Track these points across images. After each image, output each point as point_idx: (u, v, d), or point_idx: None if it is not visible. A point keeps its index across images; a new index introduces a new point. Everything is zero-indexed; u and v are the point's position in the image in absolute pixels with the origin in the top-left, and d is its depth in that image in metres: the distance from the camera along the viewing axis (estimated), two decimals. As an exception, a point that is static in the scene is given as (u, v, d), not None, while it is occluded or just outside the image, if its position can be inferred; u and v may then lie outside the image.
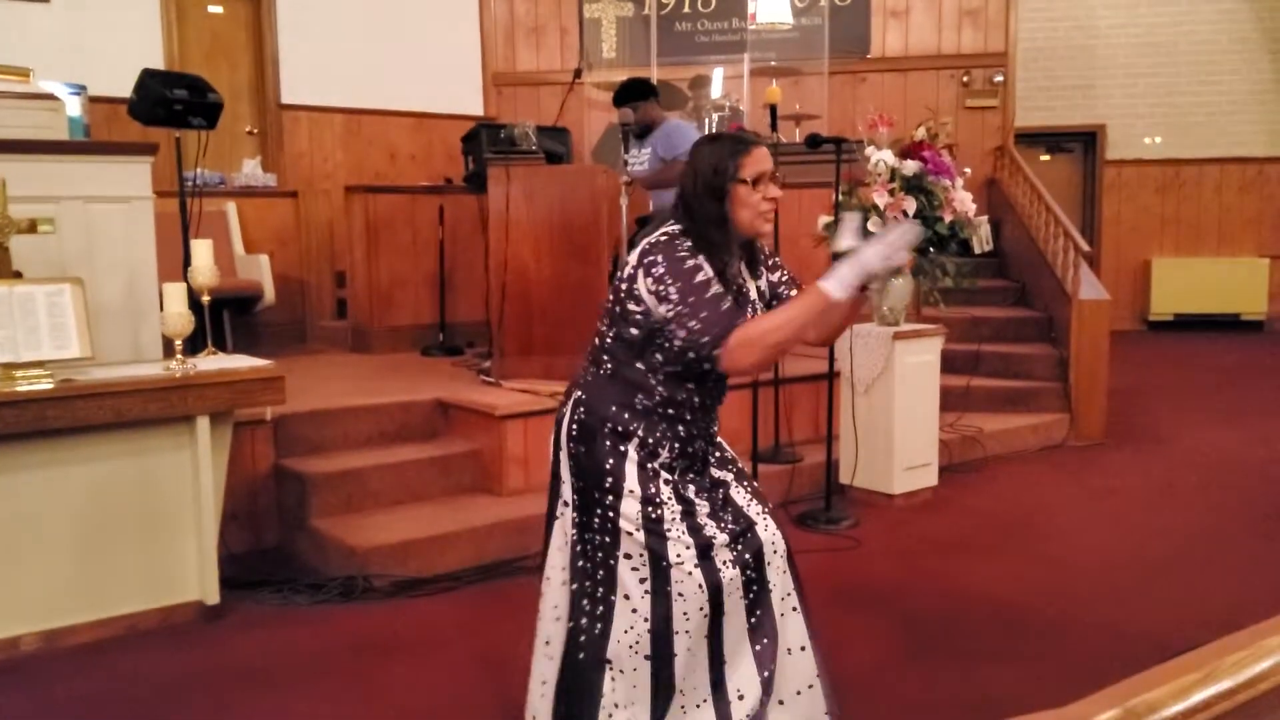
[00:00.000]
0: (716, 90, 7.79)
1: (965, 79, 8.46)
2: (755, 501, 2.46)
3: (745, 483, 2.50)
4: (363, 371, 5.53)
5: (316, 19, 7.44)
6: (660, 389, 2.32)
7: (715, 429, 2.49)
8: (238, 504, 3.90)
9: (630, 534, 2.30)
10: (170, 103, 4.42)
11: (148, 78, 4.55)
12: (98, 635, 3.30)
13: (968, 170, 4.88)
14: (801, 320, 2.22)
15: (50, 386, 3.11)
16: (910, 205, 4.49)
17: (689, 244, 2.28)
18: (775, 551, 2.43)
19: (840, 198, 4.56)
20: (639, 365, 2.33)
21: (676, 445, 2.34)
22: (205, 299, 3.59)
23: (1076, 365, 6.00)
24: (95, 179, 3.59)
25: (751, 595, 2.40)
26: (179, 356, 3.41)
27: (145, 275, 3.68)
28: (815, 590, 3.66)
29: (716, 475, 2.46)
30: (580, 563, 2.37)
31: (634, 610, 2.30)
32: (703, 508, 2.36)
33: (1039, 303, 7.00)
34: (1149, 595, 3.62)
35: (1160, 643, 3.10)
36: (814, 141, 4.50)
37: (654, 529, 2.29)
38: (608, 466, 2.31)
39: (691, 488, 2.36)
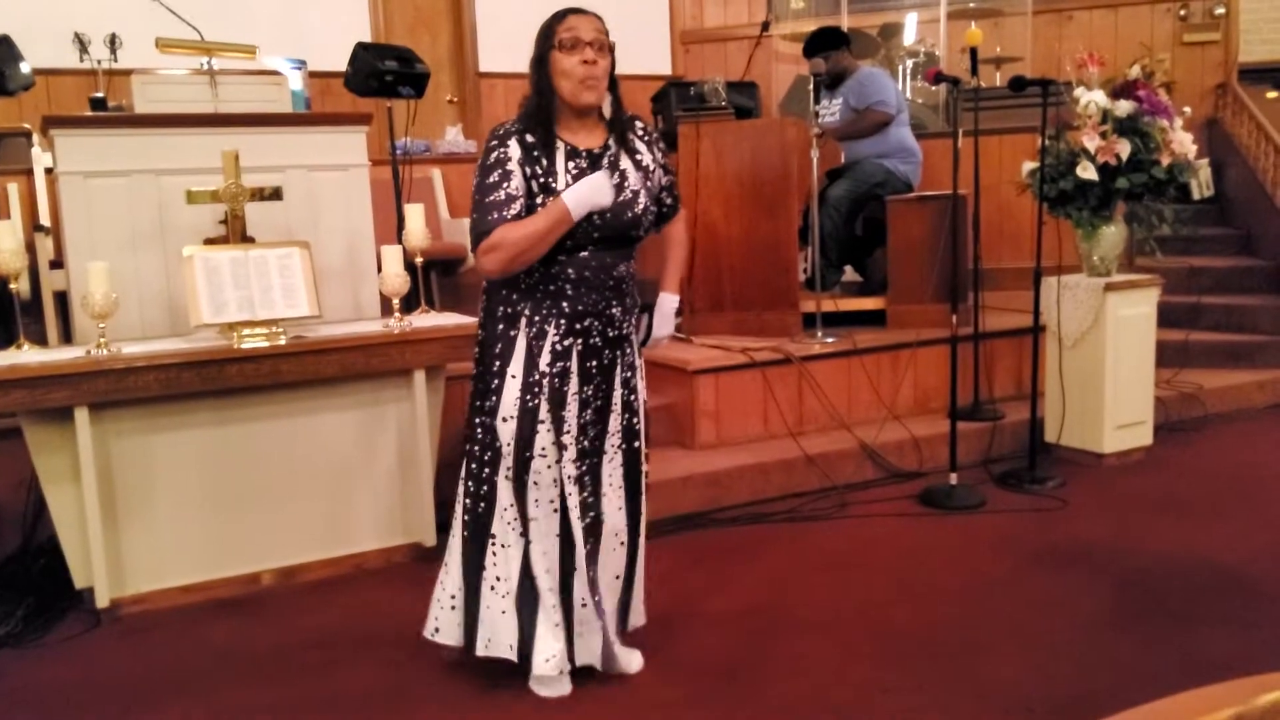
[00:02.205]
0: (910, 36, 7.55)
1: (1183, 13, 7.86)
2: (621, 435, 2.62)
3: (628, 415, 2.63)
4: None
5: (511, -12, 7.63)
6: (537, 266, 2.47)
7: (614, 313, 2.57)
8: (449, 453, 4.11)
9: (506, 420, 2.51)
10: (382, 74, 4.65)
11: (360, 50, 4.79)
12: (329, 573, 3.57)
13: (1187, 110, 4.56)
14: (542, 231, 2.40)
15: (284, 342, 3.36)
16: (1124, 148, 4.24)
17: (513, 127, 2.48)
18: (612, 485, 2.61)
19: (1047, 142, 4.35)
20: None
21: (563, 321, 2.50)
22: (418, 261, 3.79)
23: (1310, 317, 5.55)
24: (317, 149, 3.82)
25: (588, 520, 2.59)
26: (397, 314, 3.62)
27: (363, 239, 3.90)
28: (1020, 550, 3.58)
29: (604, 387, 2.58)
30: (471, 445, 2.59)
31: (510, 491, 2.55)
32: (571, 411, 2.53)
33: (1266, 250, 6.49)
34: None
35: None
36: (1018, 84, 4.31)
37: (526, 418, 2.50)
38: (497, 350, 2.53)
39: (571, 388, 2.52)
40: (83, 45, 6.13)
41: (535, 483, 2.53)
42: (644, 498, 2.73)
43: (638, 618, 2.83)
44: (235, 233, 3.50)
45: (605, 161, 2.51)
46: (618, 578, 2.70)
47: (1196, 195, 6.64)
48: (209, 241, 3.55)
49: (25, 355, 3.24)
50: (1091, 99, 4.32)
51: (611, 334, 2.58)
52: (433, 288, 6.03)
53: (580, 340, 2.53)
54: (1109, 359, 4.46)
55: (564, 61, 2.46)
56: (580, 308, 2.51)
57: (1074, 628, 2.95)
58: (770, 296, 4.95)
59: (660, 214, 2.72)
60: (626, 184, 2.52)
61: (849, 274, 5.76)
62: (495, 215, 2.43)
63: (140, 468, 3.31)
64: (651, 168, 2.61)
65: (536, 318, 2.51)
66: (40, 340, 3.97)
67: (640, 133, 2.63)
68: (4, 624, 3.17)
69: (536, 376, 2.50)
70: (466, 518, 2.62)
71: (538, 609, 2.57)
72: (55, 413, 3.16)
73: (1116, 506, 4.01)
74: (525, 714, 2.58)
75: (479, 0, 7.64)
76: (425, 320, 3.76)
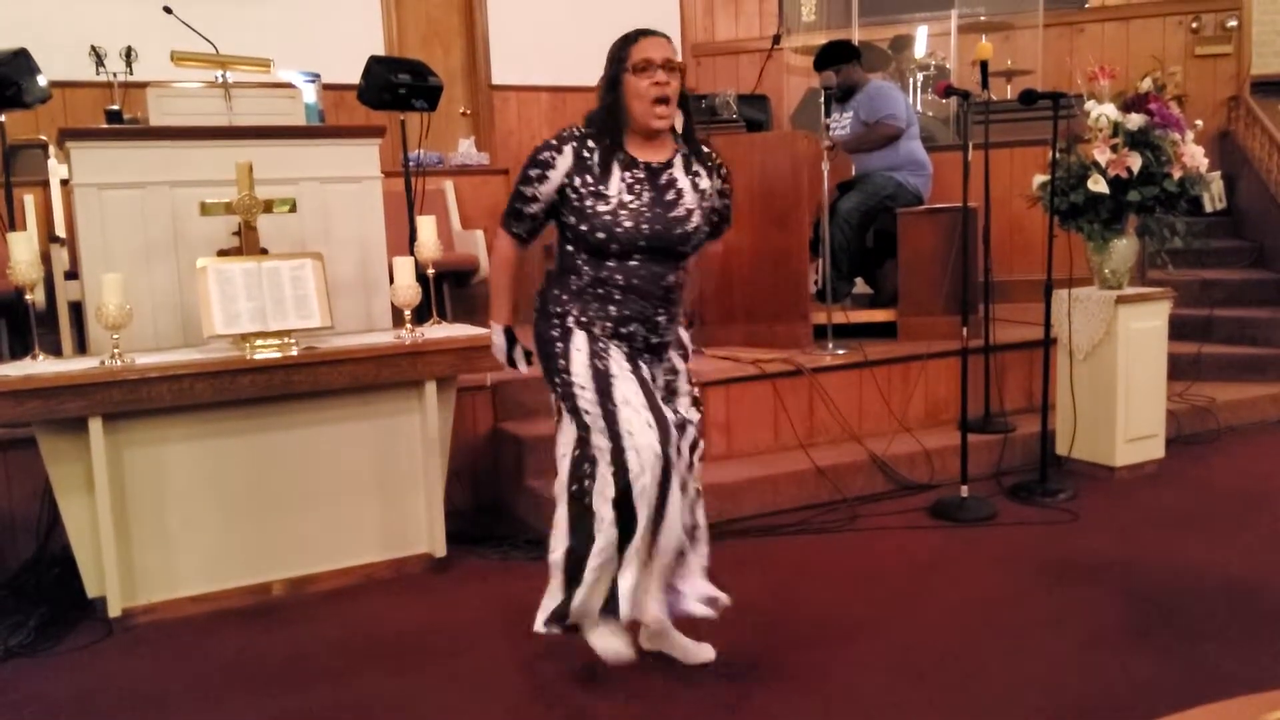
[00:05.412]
0: (921, 49, 7.56)
1: (1195, 25, 7.85)
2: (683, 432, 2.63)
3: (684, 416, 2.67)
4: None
5: (524, 1, 7.68)
6: (586, 269, 2.57)
7: (660, 320, 2.62)
8: (460, 464, 4.13)
9: (583, 388, 2.53)
10: (395, 87, 4.68)
11: (374, 64, 4.82)
12: (339, 583, 3.58)
13: (1198, 123, 4.56)
14: (491, 282, 2.74)
15: (296, 353, 3.38)
16: (1135, 161, 4.24)
17: (578, 132, 2.56)
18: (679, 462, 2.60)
19: (1058, 155, 4.35)
20: (568, 248, 2.61)
21: (609, 324, 2.57)
22: (430, 272, 3.80)
23: (1324, 330, 5.53)
24: (331, 161, 3.84)
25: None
26: (409, 325, 3.64)
27: (376, 250, 3.92)
28: (1032, 564, 3.56)
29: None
30: (565, 435, 2.68)
31: (607, 462, 2.51)
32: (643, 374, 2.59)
33: (1279, 263, 6.47)
34: None
35: None
36: (1029, 98, 4.30)
37: (600, 380, 2.52)
38: (553, 335, 2.60)
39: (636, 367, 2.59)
40: (99, 58, 6.18)
41: (629, 431, 2.47)
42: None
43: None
44: (249, 244, 3.52)
45: (658, 179, 2.60)
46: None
47: (1209, 208, 6.63)
48: (222, 253, 3.57)
49: (40, 365, 3.26)
50: (1102, 112, 4.32)
51: (654, 340, 2.64)
52: (445, 299, 6.05)
53: (625, 344, 2.59)
54: (1121, 372, 4.45)
55: (637, 84, 2.51)
56: (626, 313, 2.57)
57: (1085, 642, 2.94)
58: (781, 308, 4.95)
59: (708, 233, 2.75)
60: (681, 201, 2.58)
61: (860, 286, 5.76)
62: (514, 221, 2.64)
63: (153, 478, 3.33)
64: (709, 191, 2.66)
65: (584, 319, 2.57)
66: (55, 351, 4.00)
67: (706, 156, 2.68)
68: (17, 633, 3.18)
69: (601, 345, 2.56)
70: (575, 486, 2.66)
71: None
72: (69, 423, 3.18)
73: (1128, 520, 4.00)
74: (535, 725, 2.58)
75: (491, 13, 7.69)
76: (437, 331, 3.77)
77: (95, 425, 3.16)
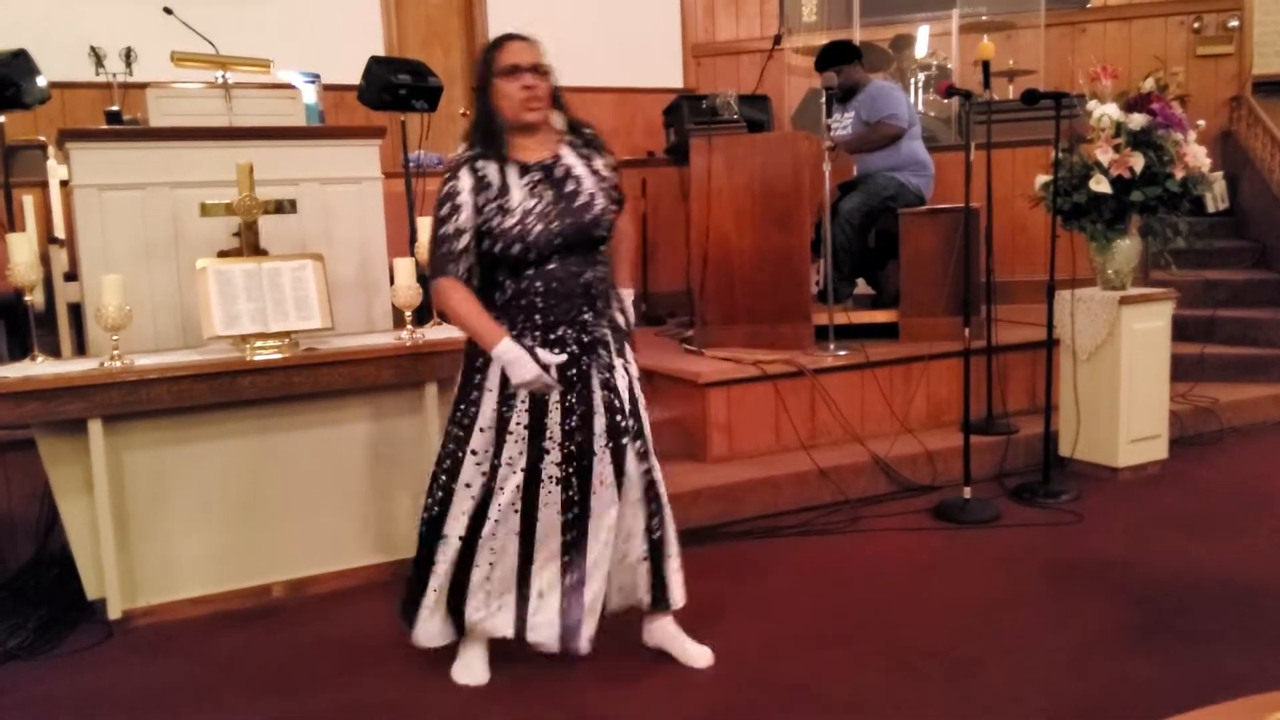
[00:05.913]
0: (922, 49, 7.55)
1: (1196, 25, 7.84)
2: (607, 435, 2.66)
3: (611, 415, 2.67)
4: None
5: (524, 2, 7.66)
6: (508, 283, 2.60)
7: (587, 318, 2.65)
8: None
9: (483, 430, 2.64)
10: (395, 88, 4.67)
11: (374, 64, 4.81)
12: (339, 585, 3.57)
13: (1201, 123, 4.54)
14: (470, 327, 2.58)
15: (296, 354, 3.37)
16: (1137, 162, 4.23)
17: (465, 156, 2.60)
18: (603, 483, 2.66)
19: (1060, 155, 4.34)
20: (486, 271, 2.64)
21: (538, 333, 2.60)
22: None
23: (1327, 331, 5.51)
24: (331, 162, 3.84)
25: (570, 515, 2.66)
26: (409, 327, 3.63)
27: (376, 251, 3.92)
28: (1034, 565, 3.55)
29: (584, 392, 2.65)
30: (441, 451, 2.75)
31: (472, 498, 2.67)
32: (553, 418, 2.62)
33: (1282, 264, 6.47)
34: None
35: None
36: (1031, 97, 4.29)
37: (500, 427, 2.62)
38: (477, 364, 2.66)
39: (553, 397, 2.61)
40: (98, 59, 6.17)
41: (500, 488, 2.63)
42: (654, 492, 2.78)
43: (677, 596, 2.88)
44: (249, 245, 3.51)
45: (550, 182, 2.63)
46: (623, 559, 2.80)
47: (1211, 208, 6.60)
48: (223, 254, 3.56)
49: (39, 367, 3.25)
50: (1105, 112, 4.31)
51: (585, 339, 2.65)
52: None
53: (557, 349, 2.61)
54: (1124, 372, 4.44)
55: (505, 88, 2.59)
56: (552, 318, 2.61)
57: (1087, 643, 2.93)
58: (783, 309, 4.94)
59: None
60: (582, 188, 2.64)
61: (861, 287, 5.75)
62: (450, 264, 2.57)
63: (153, 479, 3.32)
64: (604, 171, 2.72)
65: (514, 331, 2.59)
66: (54, 352, 3.99)
67: (591, 137, 2.76)
68: (16, 635, 3.18)
69: (512, 389, 2.59)
70: (426, 515, 2.76)
71: (465, 599, 2.72)
72: (69, 424, 3.17)
73: (1131, 521, 3.98)
74: (535, 728, 2.57)
75: (491, 14, 7.68)
76: (437, 333, 3.76)
77: (95, 427, 3.16)
